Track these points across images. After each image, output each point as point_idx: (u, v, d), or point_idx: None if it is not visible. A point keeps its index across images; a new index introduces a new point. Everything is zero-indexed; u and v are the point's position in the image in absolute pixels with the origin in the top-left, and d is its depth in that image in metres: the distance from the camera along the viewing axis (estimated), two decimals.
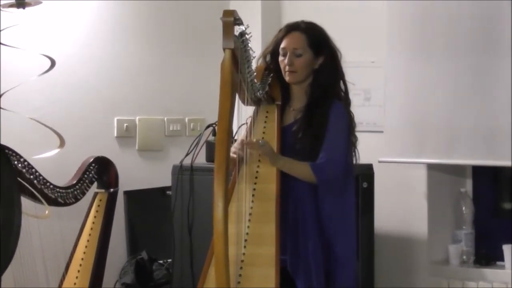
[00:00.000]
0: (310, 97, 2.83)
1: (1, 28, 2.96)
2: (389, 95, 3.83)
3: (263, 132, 2.84)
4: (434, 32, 3.73)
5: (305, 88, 2.85)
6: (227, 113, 2.49)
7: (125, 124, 3.96)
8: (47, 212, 3.09)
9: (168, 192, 3.67)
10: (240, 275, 2.64)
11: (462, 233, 3.91)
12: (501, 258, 3.81)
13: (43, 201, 3.10)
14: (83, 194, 3.33)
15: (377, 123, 3.95)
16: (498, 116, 3.57)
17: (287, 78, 2.83)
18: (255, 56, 2.74)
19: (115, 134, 3.93)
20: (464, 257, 3.89)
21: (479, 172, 4.00)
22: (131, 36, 3.99)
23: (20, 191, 2.95)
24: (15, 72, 3.35)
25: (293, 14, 4.06)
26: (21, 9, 3.05)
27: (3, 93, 3.03)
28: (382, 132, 3.86)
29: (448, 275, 3.85)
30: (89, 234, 3.39)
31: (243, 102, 2.77)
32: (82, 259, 3.36)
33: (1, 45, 3.03)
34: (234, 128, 2.85)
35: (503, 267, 3.78)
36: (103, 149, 3.63)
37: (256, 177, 2.78)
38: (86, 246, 3.38)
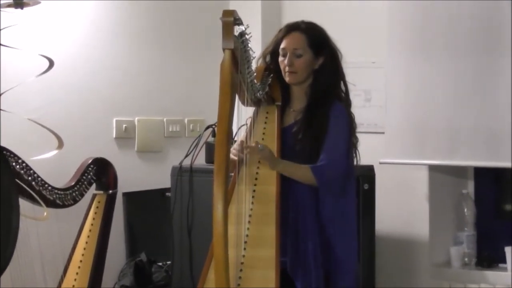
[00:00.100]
0: (311, 98, 2.83)
1: (0, 29, 2.95)
2: (390, 96, 3.83)
3: (263, 133, 2.84)
4: (435, 32, 3.72)
5: (305, 89, 2.85)
6: (226, 114, 2.48)
7: (124, 125, 3.95)
8: (45, 214, 3.09)
9: (167, 193, 3.67)
10: (240, 277, 2.64)
11: (463, 235, 3.91)
12: (503, 260, 3.80)
13: (41, 202, 3.10)
14: (82, 195, 3.33)
15: (378, 124, 3.95)
16: (500, 116, 3.56)
17: (287, 79, 2.83)
18: (255, 57, 2.74)
19: (114, 135, 3.93)
20: (466, 259, 3.89)
21: (481, 174, 3.99)
22: (130, 36, 3.99)
23: (18, 192, 2.95)
24: (13, 72, 3.35)
25: (293, 14, 4.07)
26: (19, 10, 3.04)
27: (2, 93, 3.02)
28: (383, 133, 3.85)
29: (449, 277, 3.85)
30: (88, 236, 3.39)
31: (243, 103, 2.76)
32: (81, 261, 3.36)
33: (0, 46, 3.03)
34: (234, 129, 2.85)
35: (505, 269, 3.77)
36: (101, 150, 3.63)
37: (256, 179, 2.77)
38: (84, 248, 3.37)
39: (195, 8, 4.19)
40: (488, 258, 3.84)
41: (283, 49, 2.82)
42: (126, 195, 3.86)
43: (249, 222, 2.71)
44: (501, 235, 3.89)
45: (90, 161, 3.40)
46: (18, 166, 3.06)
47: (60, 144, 3.20)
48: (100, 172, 3.42)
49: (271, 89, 2.84)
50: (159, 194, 3.85)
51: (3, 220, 2.75)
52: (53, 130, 3.19)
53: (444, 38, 3.69)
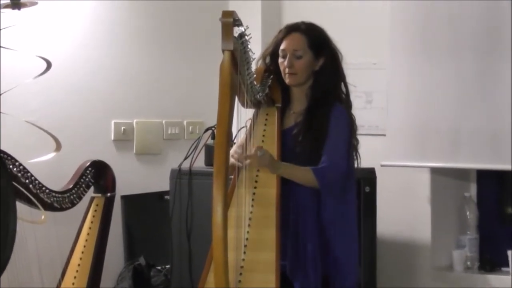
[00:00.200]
0: (311, 100, 2.82)
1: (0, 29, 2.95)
2: (391, 98, 3.83)
3: (263, 135, 2.83)
4: (437, 33, 3.72)
5: (306, 91, 2.84)
6: (226, 116, 2.47)
7: (122, 127, 3.94)
8: (43, 217, 3.09)
9: (166, 196, 3.66)
10: (239, 281, 2.63)
11: (466, 238, 3.91)
12: (506, 264, 3.80)
13: (39, 206, 3.09)
14: (80, 198, 3.33)
15: (379, 126, 3.95)
16: (503, 118, 3.55)
17: (287, 80, 2.82)
18: (254, 58, 2.72)
19: (112, 138, 3.92)
20: (468, 263, 3.89)
21: (483, 176, 3.99)
22: (128, 37, 3.99)
23: (16, 195, 2.93)
24: (10, 74, 3.33)
25: (293, 14, 4.09)
26: (16, 10, 3.01)
27: (2, 93, 3.02)
28: (384, 135, 3.86)
29: (452, 281, 3.85)
30: (86, 240, 3.39)
31: (243, 105, 2.75)
32: (79, 265, 3.36)
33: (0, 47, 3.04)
34: (234, 131, 2.83)
35: (508, 273, 3.77)
36: (100, 153, 3.62)
37: (256, 181, 2.76)
38: (82, 252, 3.37)
39: (194, 9, 4.19)
40: (491, 262, 3.84)
41: (283, 50, 2.81)
42: (125, 198, 3.86)
43: (249, 225, 2.70)
44: (504, 238, 3.89)
45: (88, 163, 3.39)
46: (15, 169, 3.06)
47: (58, 147, 3.20)
48: (98, 174, 3.41)
49: (271, 90, 2.83)
50: (158, 197, 3.85)
51: (0, 223, 2.73)
52: (50, 132, 3.19)
53: (446, 39, 3.70)
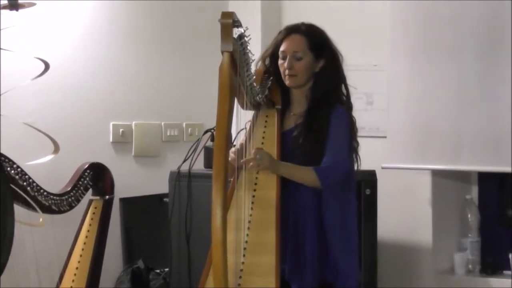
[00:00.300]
0: (311, 102, 2.81)
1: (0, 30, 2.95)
2: (392, 99, 3.83)
3: (263, 137, 2.82)
4: (438, 34, 3.72)
5: (306, 92, 2.83)
6: (225, 118, 2.46)
7: (121, 129, 3.93)
8: (41, 220, 3.09)
9: (165, 199, 3.65)
10: (239, 284, 2.62)
11: (467, 241, 3.91)
12: (508, 267, 3.81)
13: (37, 208, 3.09)
14: (78, 201, 3.32)
15: (380, 128, 3.95)
16: (504, 120, 3.55)
17: (287, 82, 2.81)
18: (254, 59, 2.71)
19: (111, 140, 3.91)
20: (470, 266, 3.90)
21: (485, 179, 3.99)
22: (127, 38, 3.98)
23: (13, 198, 2.91)
24: (8, 75, 3.32)
25: (293, 14, 4.10)
26: (14, 11, 3.01)
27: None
28: (385, 137, 3.86)
29: (453, 284, 3.84)
30: (84, 243, 3.38)
31: (242, 107, 2.74)
32: (77, 268, 3.35)
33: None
34: (233, 133, 2.81)
35: (509, 276, 3.78)
36: (98, 155, 3.62)
37: (256, 184, 2.75)
38: (80, 255, 3.36)
39: (193, 9, 4.19)
40: (493, 265, 3.85)
41: (283, 51, 2.80)
42: (123, 201, 3.85)
43: (248, 228, 2.68)
44: (506, 241, 3.89)
45: (86, 166, 3.39)
46: (13, 171, 3.05)
47: (56, 149, 3.20)
48: (96, 177, 3.40)
49: (270, 92, 2.82)
50: (156, 199, 3.84)
51: None
52: (48, 134, 3.18)
53: (447, 40, 3.70)
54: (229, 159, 2.63)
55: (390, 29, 3.82)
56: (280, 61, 2.80)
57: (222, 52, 2.48)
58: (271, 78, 2.80)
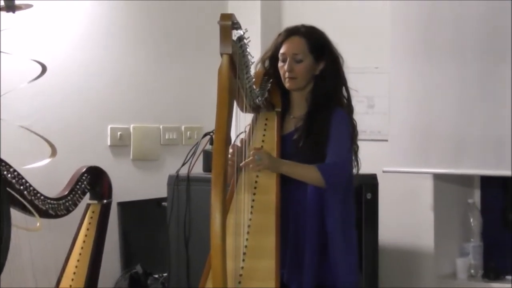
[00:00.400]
0: (311, 105, 2.79)
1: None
2: (393, 103, 3.82)
3: (262, 141, 2.81)
4: (439, 36, 3.71)
5: (306, 95, 2.81)
6: (224, 121, 2.44)
7: (119, 133, 3.93)
8: (38, 224, 3.08)
9: (163, 203, 3.65)
10: None
11: (470, 246, 3.90)
12: (511, 272, 3.80)
13: (34, 212, 3.08)
14: (75, 205, 3.31)
15: (381, 131, 3.95)
16: (507, 124, 3.53)
17: (287, 85, 2.80)
18: (253, 62, 2.70)
19: (109, 143, 3.91)
20: (472, 271, 3.89)
21: (487, 183, 3.99)
22: (125, 40, 3.98)
23: (10, 202, 2.92)
24: (5, 77, 3.30)
25: (293, 15, 4.11)
26: (10, 13, 3.01)
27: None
28: (386, 140, 3.85)
29: None
30: (82, 247, 3.37)
31: (242, 109, 2.73)
32: (74, 273, 3.34)
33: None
34: (232, 136, 2.79)
35: None
36: (96, 159, 3.61)
37: (255, 187, 2.74)
38: (78, 260, 3.35)
39: (192, 10, 4.19)
40: (495, 270, 3.83)
41: (283, 54, 2.79)
42: (121, 205, 3.85)
43: (248, 232, 2.67)
44: (508, 246, 3.88)
45: (84, 169, 3.38)
46: (9, 175, 3.04)
47: (53, 152, 3.20)
48: (94, 181, 3.39)
49: (270, 95, 2.80)
50: (155, 203, 3.83)
51: None
52: (45, 137, 3.18)
53: (449, 42, 3.69)
54: (229, 155, 2.61)
55: (391, 30, 3.82)
56: (280, 64, 2.79)
57: (221, 55, 2.46)
58: (271, 80, 2.78)
